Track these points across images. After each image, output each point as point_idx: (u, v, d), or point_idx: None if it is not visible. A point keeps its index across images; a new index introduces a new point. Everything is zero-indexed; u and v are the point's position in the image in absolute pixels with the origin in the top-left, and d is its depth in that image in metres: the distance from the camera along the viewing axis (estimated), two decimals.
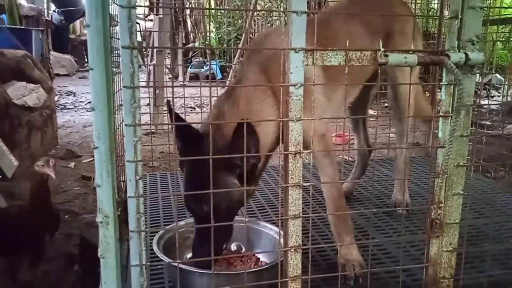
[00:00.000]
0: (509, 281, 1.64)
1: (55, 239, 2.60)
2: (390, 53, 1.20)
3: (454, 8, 1.25)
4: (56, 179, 2.36)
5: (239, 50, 6.90)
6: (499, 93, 6.10)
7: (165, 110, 4.72)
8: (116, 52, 1.79)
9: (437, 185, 1.33)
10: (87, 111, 6.97)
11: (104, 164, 1.11)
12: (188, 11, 10.81)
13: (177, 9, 7.82)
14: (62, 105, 7.45)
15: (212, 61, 7.21)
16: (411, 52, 1.23)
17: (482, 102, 4.97)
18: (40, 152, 4.36)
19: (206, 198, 1.32)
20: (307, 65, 1.16)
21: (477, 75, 1.48)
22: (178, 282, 1.21)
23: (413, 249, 1.93)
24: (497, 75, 6.86)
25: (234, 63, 7.10)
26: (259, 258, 1.79)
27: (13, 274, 2.27)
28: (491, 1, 3.55)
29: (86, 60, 10.69)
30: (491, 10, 3.10)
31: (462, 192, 1.34)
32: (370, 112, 3.22)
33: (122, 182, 2.07)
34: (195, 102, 6.74)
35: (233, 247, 1.85)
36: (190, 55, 10.64)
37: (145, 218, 1.13)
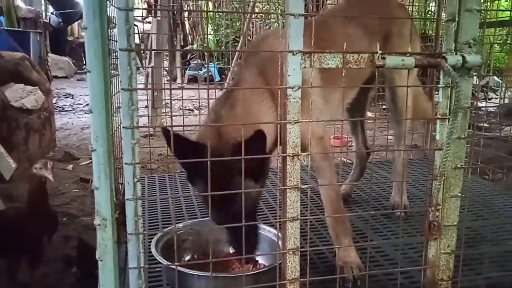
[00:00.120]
0: (507, 283, 1.65)
1: (53, 241, 2.60)
2: (387, 56, 1.20)
3: (451, 10, 1.26)
4: (54, 181, 2.36)
5: (237, 52, 6.91)
6: (497, 95, 6.11)
7: (163, 112, 4.74)
8: (114, 54, 1.78)
9: (435, 187, 1.33)
10: (85, 113, 6.97)
11: (102, 167, 1.11)
12: (186, 13, 10.83)
13: (175, 11, 7.82)
14: (60, 107, 7.44)
15: (210, 63, 7.22)
16: (408, 54, 1.24)
17: (480, 104, 4.99)
18: (38, 155, 4.35)
19: (234, 203, 1.39)
20: (304, 67, 1.16)
21: (475, 77, 1.48)
22: (176, 285, 1.21)
23: (411, 251, 1.93)
24: (495, 77, 6.89)
25: (232, 65, 7.10)
26: (257, 261, 1.79)
27: (11, 276, 2.26)
28: (488, 4, 3.56)
29: (84, 62, 10.63)
30: (488, 12, 3.12)
31: (460, 194, 1.34)
32: (368, 114, 3.22)
33: (120, 185, 2.07)
34: (193, 104, 6.75)
35: (232, 249, 1.84)
36: (188, 57, 10.65)
37: (143, 220, 1.13)
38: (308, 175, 2.40)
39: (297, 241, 1.23)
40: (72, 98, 8.40)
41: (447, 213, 1.34)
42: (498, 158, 2.78)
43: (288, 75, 1.15)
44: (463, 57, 1.24)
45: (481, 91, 5.41)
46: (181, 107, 5.65)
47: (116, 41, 1.05)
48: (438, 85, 1.30)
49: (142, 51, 8.04)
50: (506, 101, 4.93)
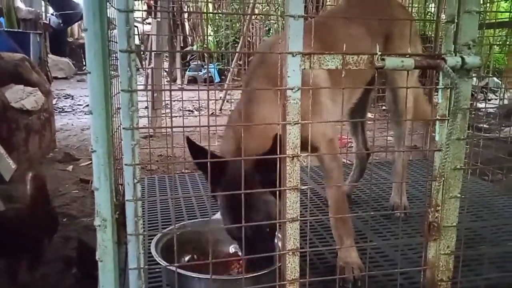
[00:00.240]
0: (506, 284, 1.65)
1: (53, 242, 2.60)
2: (387, 57, 1.21)
3: (450, 12, 1.26)
4: (54, 182, 2.36)
5: (237, 54, 6.92)
6: (496, 96, 6.12)
7: (163, 113, 4.74)
8: (114, 55, 1.78)
9: (435, 188, 1.33)
10: (85, 114, 6.97)
11: (102, 168, 1.11)
12: (186, 15, 10.83)
13: (175, 13, 7.82)
14: (60, 108, 7.44)
15: (210, 64, 7.23)
16: (407, 56, 1.24)
17: (479, 105, 4.99)
18: (38, 156, 4.36)
19: (249, 218, 1.33)
20: (304, 69, 1.16)
21: (474, 78, 1.48)
22: (176, 286, 1.21)
23: (411, 252, 1.93)
24: (494, 78, 6.89)
25: (232, 66, 7.11)
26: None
27: (11, 277, 2.26)
28: (488, 5, 3.57)
29: (84, 63, 10.64)
30: (488, 13, 3.12)
31: (459, 195, 1.34)
32: (368, 115, 3.22)
33: (120, 185, 2.07)
34: (193, 105, 6.75)
35: (231, 249, 1.85)
36: (188, 59, 10.65)
37: (143, 221, 1.13)
38: (308, 175, 2.40)
39: (297, 242, 1.23)
40: (72, 99, 8.40)
41: (447, 214, 1.35)
42: (498, 159, 2.79)
43: (288, 76, 1.15)
44: (463, 58, 1.25)
45: (481, 92, 5.41)
46: (181, 108, 5.65)
47: (116, 42, 1.05)
48: (437, 86, 1.30)
49: (142, 52, 8.03)
50: (506, 102, 4.93)
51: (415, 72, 2.26)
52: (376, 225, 2.23)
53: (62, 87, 9.51)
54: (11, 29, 7.88)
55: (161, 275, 1.72)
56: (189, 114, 6.26)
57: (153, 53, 5.90)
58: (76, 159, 4.59)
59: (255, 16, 7.39)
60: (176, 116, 4.54)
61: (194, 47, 11.06)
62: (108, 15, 1.52)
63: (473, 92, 1.51)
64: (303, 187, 1.24)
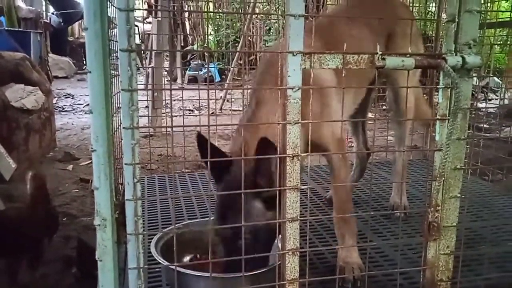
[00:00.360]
0: (506, 284, 1.65)
1: (53, 241, 2.60)
2: (387, 57, 1.20)
3: (451, 11, 1.26)
4: (54, 181, 2.36)
5: (237, 53, 6.91)
6: (497, 96, 6.11)
7: (163, 113, 4.73)
8: (114, 54, 1.78)
9: (435, 188, 1.33)
10: (85, 113, 6.97)
11: (102, 167, 1.11)
12: (186, 14, 10.83)
13: (175, 12, 7.83)
14: (60, 107, 7.44)
15: (211, 63, 7.22)
16: (408, 55, 1.24)
17: (480, 105, 4.99)
18: (38, 155, 4.36)
19: (231, 221, 1.40)
20: (304, 68, 1.16)
21: (475, 78, 1.48)
22: (175, 285, 1.21)
23: (411, 252, 1.93)
24: (495, 78, 6.89)
25: (232, 66, 7.11)
26: None
27: (11, 276, 2.26)
28: (488, 5, 3.57)
29: (84, 62, 10.67)
30: (489, 13, 3.11)
31: (459, 195, 1.34)
32: (369, 115, 3.22)
33: (120, 185, 2.07)
34: (193, 105, 6.74)
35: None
36: (188, 58, 10.65)
37: (143, 220, 1.13)
38: (308, 175, 2.40)
39: (297, 242, 1.23)
40: (73, 98, 8.40)
41: (447, 214, 1.34)
42: (498, 159, 2.78)
43: (288, 76, 1.15)
44: (463, 58, 1.24)
45: (481, 92, 5.41)
46: (181, 108, 5.65)
47: (117, 41, 1.05)
48: (438, 86, 1.30)
49: (142, 52, 8.05)
50: (506, 102, 4.92)
51: (417, 72, 2.27)
52: (376, 225, 2.23)
53: (63, 86, 9.51)
54: (11, 28, 7.88)
55: (161, 274, 1.72)
56: (189, 113, 6.26)
57: (153, 52, 5.91)
58: (76, 158, 4.59)
59: (256, 15, 7.40)
60: (176, 116, 4.54)
61: (195, 47, 11.07)
62: (109, 14, 1.52)
63: (473, 92, 1.51)
64: (303, 187, 1.24)
